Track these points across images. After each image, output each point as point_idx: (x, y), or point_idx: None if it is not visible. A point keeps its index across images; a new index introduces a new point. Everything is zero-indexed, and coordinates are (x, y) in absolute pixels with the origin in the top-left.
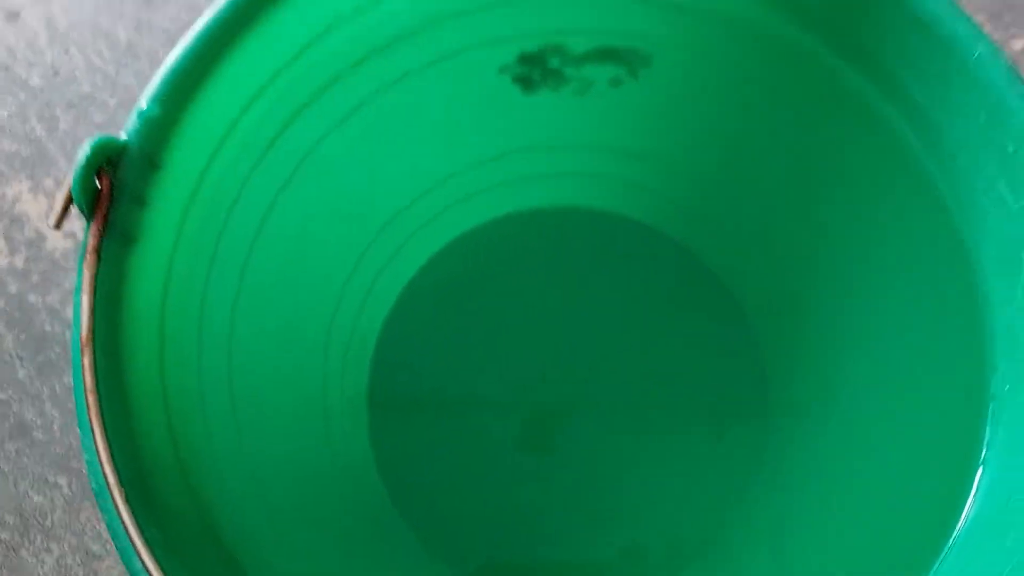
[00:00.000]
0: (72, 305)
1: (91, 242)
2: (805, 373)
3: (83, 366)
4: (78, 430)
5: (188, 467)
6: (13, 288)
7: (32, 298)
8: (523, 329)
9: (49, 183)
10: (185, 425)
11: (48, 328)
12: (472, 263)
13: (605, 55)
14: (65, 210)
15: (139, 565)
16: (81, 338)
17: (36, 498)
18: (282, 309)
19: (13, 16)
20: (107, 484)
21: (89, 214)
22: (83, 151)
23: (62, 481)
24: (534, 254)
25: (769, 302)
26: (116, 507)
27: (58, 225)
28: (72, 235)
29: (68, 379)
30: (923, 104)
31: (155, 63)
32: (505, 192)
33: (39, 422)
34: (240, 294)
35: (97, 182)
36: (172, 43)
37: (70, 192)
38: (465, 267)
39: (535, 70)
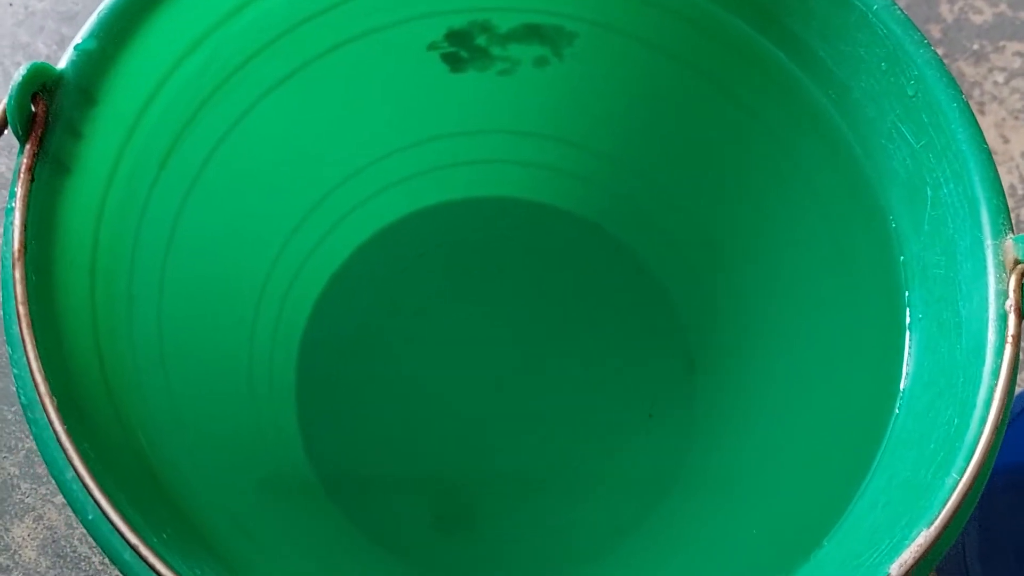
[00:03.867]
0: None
1: (25, 162)
2: (729, 341)
3: (14, 279)
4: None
5: (114, 391)
6: None
7: None
8: (453, 318)
9: None
10: (114, 355)
11: None
12: (401, 253)
13: (530, 32)
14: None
15: (70, 475)
16: (13, 252)
17: None
18: (210, 280)
19: None
20: (38, 394)
21: (23, 136)
22: (19, 72)
23: None
24: (460, 245)
25: (693, 279)
26: (48, 418)
27: None
28: None
29: None
30: (829, 63)
31: None
32: (433, 180)
33: None
34: (170, 251)
35: (33, 107)
36: None
37: (4, 112)
38: (394, 256)
39: (463, 48)
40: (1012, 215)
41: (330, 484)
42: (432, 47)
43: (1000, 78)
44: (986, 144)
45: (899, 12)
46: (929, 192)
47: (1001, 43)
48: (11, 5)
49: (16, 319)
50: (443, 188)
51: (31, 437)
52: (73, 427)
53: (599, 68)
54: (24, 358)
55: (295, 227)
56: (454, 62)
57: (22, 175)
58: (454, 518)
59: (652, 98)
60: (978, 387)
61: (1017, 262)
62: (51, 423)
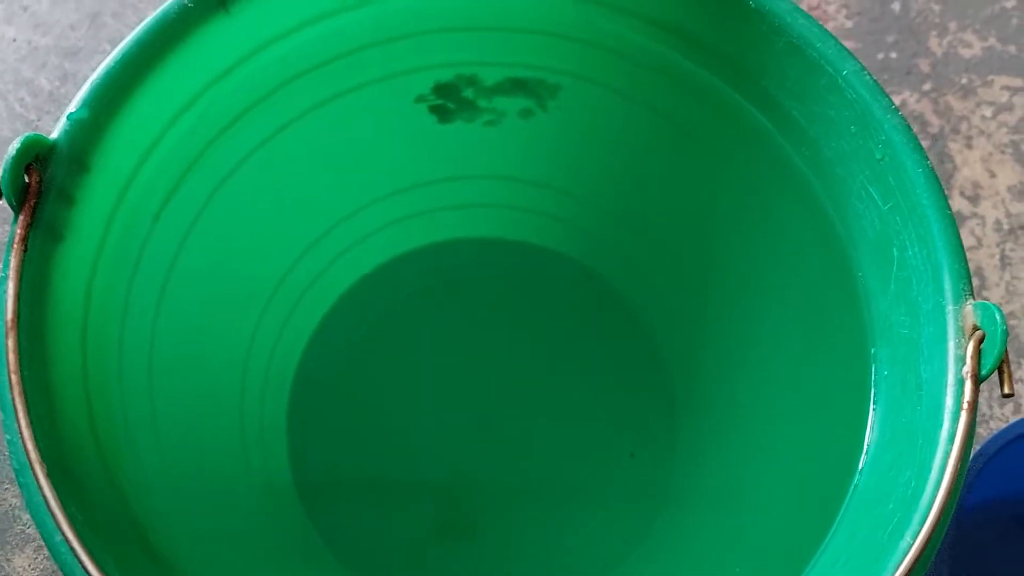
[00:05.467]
0: None
1: (18, 232)
2: (708, 387)
3: (7, 348)
4: None
5: (106, 453)
6: None
7: None
8: (441, 355)
9: None
10: (104, 410)
11: None
12: (391, 293)
13: (515, 86)
14: None
15: (58, 538)
16: (6, 321)
17: None
18: (202, 326)
19: None
20: (29, 460)
21: (17, 207)
22: (13, 145)
23: None
24: (448, 285)
25: (674, 322)
26: (38, 483)
27: None
28: None
29: None
30: (802, 122)
31: None
32: (421, 222)
33: None
34: (162, 303)
35: (26, 177)
36: None
37: None
38: (385, 296)
39: (449, 100)
40: (998, 249)
41: (321, 524)
42: (420, 99)
43: (988, 112)
44: (950, 210)
45: (868, 77)
46: (896, 253)
47: (990, 77)
48: (15, 41)
49: (8, 387)
50: (431, 230)
51: None
52: (62, 492)
53: (582, 118)
54: (16, 425)
55: (285, 274)
56: (442, 113)
57: (15, 245)
58: (444, 560)
59: (632, 147)
60: (935, 450)
61: (975, 328)
62: (40, 488)
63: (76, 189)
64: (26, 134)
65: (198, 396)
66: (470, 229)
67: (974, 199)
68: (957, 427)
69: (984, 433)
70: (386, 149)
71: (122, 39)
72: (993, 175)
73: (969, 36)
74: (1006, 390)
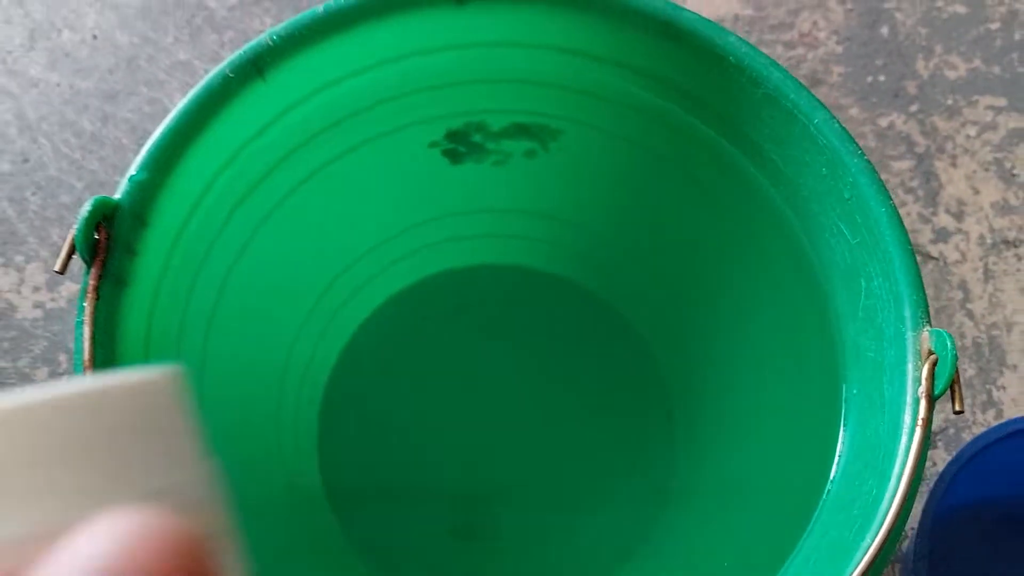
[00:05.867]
0: (39, 364)
1: (91, 283)
2: (702, 402)
3: None
4: None
5: None
6: None
7: (2, 364)
8: (456, 372)
9: (19, 259)
10: None
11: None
12: (411, 315)
13: (520, 130)
14: (68, 257)
15: None
16: (84, 361)
17: None
18: (244, 352)
19: None
20: None
21: (89, 261)
22: (84, 208)
23: None
24: (463, 307)
25: (671, 342)
26: None
27: (62, 270)
28: (41, 305)
29: None
30: (780, 163)
31: (118, 150)
32: (437, 252)
33: None
34: (209, 334)
35: (96, 235)
36: (134, 132)
37: (73, 242)
38: (405, 319)
39: (460, 144)
40: (982, 263)
41: (348, 527)
42: (433, 145)
43: (972, 131)
44: (911, 245)
45: (837, 125)
46: (863, 283)
47: (974, 97)
48: (58, 85)
49: None
50: (446, 259)
51: None
52: None
53: (581, 157)
54: None
55: (316, 302)
56: (453, 156)
57: (89, 295)
58: (460, 560)
59: (627, 182)
60: (893, 461)
61: (930, 353)
62: None
63: (137, 242)
64: (95, 197)
65: (241, 415)
66: (481, 257)
67: (959, 215)
68: (913, 441)
69: (967, 438)
70: (404, 189)
71: (157, 81)
72: (977, 192)
73: (954, 58)
74: (957, 407)
